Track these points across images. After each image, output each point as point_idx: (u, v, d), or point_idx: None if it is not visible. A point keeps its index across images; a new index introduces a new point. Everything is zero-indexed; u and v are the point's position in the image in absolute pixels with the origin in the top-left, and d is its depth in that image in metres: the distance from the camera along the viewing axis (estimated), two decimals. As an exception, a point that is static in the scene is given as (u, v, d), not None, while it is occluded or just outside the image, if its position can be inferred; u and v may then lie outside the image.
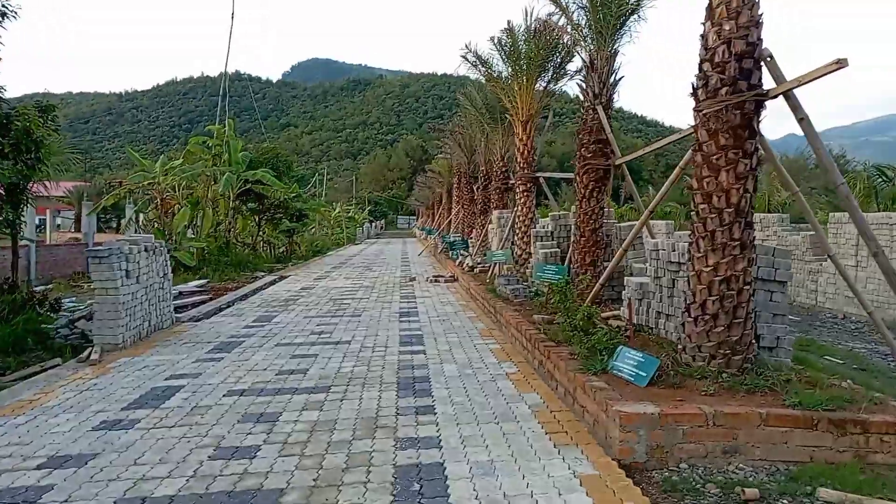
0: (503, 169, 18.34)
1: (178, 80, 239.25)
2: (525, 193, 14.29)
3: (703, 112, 5.76)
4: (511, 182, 18.35)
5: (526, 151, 14.28)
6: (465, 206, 27.91)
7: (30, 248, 22.86)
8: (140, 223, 22.99)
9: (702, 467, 4.64)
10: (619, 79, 9.80)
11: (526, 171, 14.22)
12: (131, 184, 20.01)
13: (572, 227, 11.10)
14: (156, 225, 20.36)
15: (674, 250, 7.26)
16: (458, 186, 30.88)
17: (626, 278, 8.52)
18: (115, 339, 8.69)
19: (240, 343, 9.12)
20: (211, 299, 14.67)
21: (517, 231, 14.35)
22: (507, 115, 17.79)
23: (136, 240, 9.55)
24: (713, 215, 5.70)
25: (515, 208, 14.66)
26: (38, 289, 18.02)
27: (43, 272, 23.22)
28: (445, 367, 7.49)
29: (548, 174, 14.96)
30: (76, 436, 5.14)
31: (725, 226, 5.65)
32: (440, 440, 4.97)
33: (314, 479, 4.24)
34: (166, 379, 7.07)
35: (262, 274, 21.33)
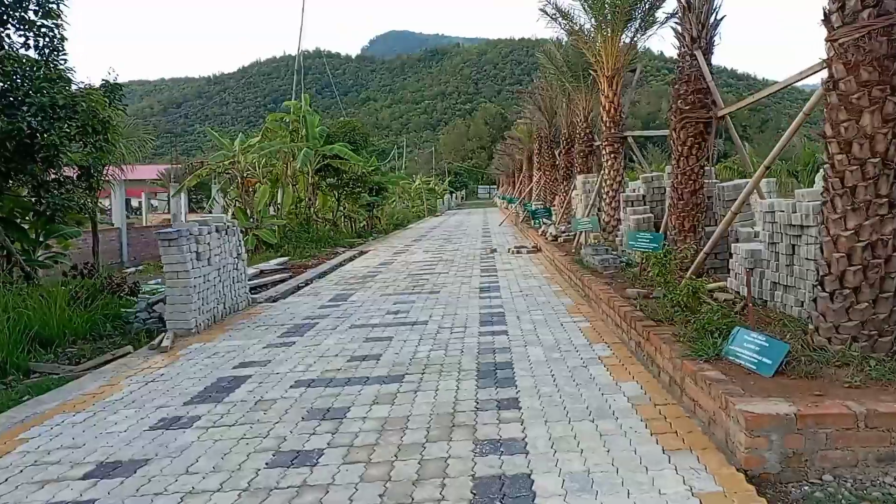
0: (587, 130, 17.21)
1: (262, 60, 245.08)
2: (612, 155, 13.22)
3: (840, 41, 4.69)
4: (596, 144, 17.24)
5: (613, 109, 13.18)
6: (546, 173, 26.82)
7: (121, 231, 23.67)
8: (223, 203, 23.31)
9: (851, 480, 3.75)
10: (721, 19, 8.62)
11: (613, 131, 13.13)
12: (212, 164, 20.10)
13: (667, 189, 10.05)
14: (237, 204, 20.46)
15: (794, 211, 6.21)
16: (538, 152, 29.75)
17: (733, 245, 7.49)
18: (188, 324, 8.45)
19: (313, 325, 8.71)
20: (290, 277, 14.49)
21: (604, 196, 13.34)
22: (590, 73, 16.61)
23: (206, 220, 9.27)
24: (853, 167, 4.66)
25: (602, 172, 13.62)
26: (129, 271, 18.50)
27: (135, 254, 23.97)
28: (530, 350, 6.77)
29: (637, 132, 13.83)
30: (131, 437, 4.77)
31: (869, 179, 4.61)
32: (526, 443, 4.27)
33: (380, 495, 3.65)
34: (234, 367, 6.69)
35: (343, 249, 21.17)
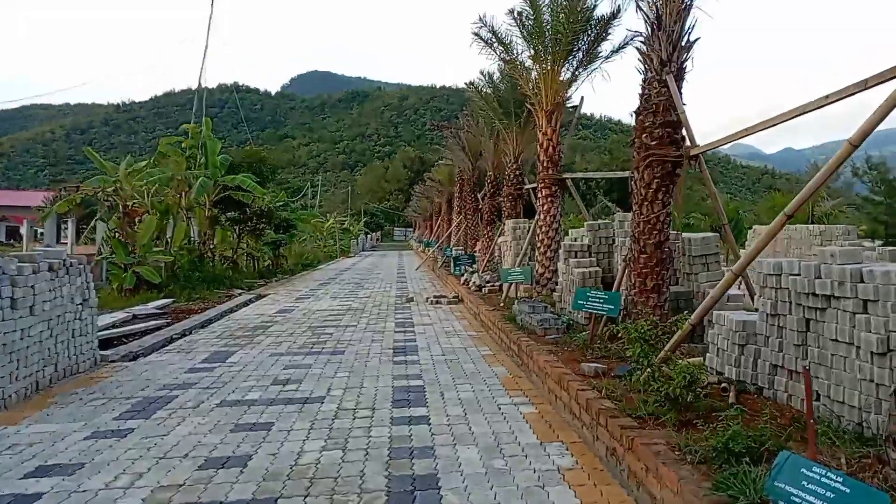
0: (517, 172, 15.79)
1: (177, 91, 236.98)
2: (549, 199, 11.72)
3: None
4: (526, 187, 15.83)
5: (551, 148, 11.74)
6: (468, 217, 25.36)
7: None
8: (105, 234, 20.41)
9: None
10: (695, 41, 7.26)
11: (551, 172, 11.66)
12: (88, 189, 17.37)
13: (626, 239, 8.53)
14: (117, 235, 17.71)
15: (818, 276, 4.67)
16: (459, 195, 28.37)
17: (716, 313, 5.91)
18: (-12, 397, 6.07)
19: (170, 399, 6.49)
20: (168, 324, 12.07)
21: (539, 245, 11.78)
22: (523, 109, 15.32)
23: (32, 255, 6.93)
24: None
25: (536, 217, 12.09)
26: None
27: None
28: (462, 452, 4.87)
29: (579, 174, 12.43)
30: None
31: None
32: None
33: None
34: (23, 477, 4.44)
35: (239, 292, 18.69)
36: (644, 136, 7.37)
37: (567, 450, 4.91)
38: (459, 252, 22.92)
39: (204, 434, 5.36)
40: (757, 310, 5.84)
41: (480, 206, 23.09)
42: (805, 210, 21.04)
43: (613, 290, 7.99)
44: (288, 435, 5.33)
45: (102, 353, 8.67)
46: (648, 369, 4.91)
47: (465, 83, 16.78)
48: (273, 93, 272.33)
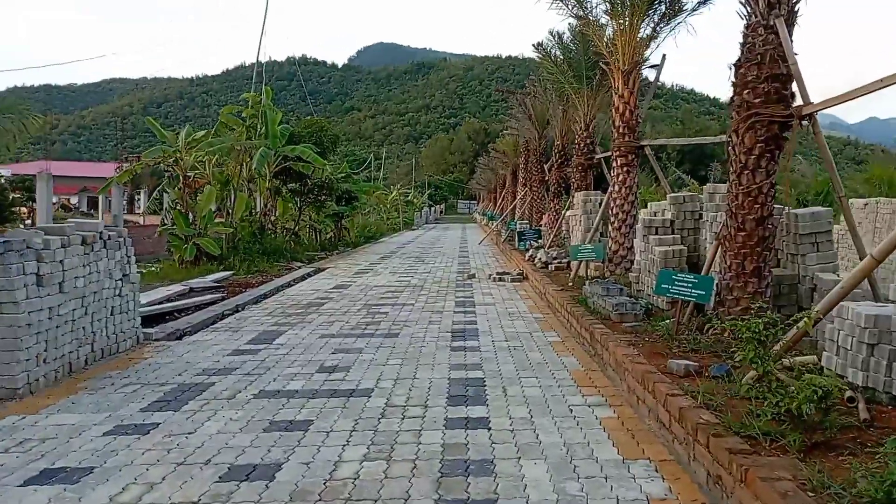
0: (587, 141, 14.66)
1: (247, 64, 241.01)
2: (625, 168, 10.64)
3: None
4: (596, 158, 14.71)
5: (628, 112, 10.62)
6: (533, 189, 24.26)
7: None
8: (167, 206, 20.38)
9: None
10: (809, -24, 6.08)
11: (628, 139, 10.55)
12: (147, 159, 17.20)
13: (717, 213, 7.46)
14: (178, 207, 17.54)
15: None
16: (525, 167, 27.23)
17: (840, 305, 4.84)
18: (13, 383, 5.62)
19: (205, 388, 5.92)
20: (223, 298, 11.70)
21: (612, 219, 10.74)
22: (595, 72, 14.14)
23: (62, 228, 6.45)
24: None
25: (610, 189, 11.03)
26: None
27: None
28: (527, 469, 4.06)
29: (661, 140, 11.26)
30: None
31: None
32: None
33: None
34: (23, 483, 3.90)
35: (299, 265, 18.36)
36: (746, 92, 6.26)
37: (656, 471, 4.03)
38: (524, 226, 21.93)
39: (234, 433, 4.73)
40: (892, 301, 4.78)
41: (547, 178, 21.97)
42: (909, 181, 19.03)
43: (703, 272, 6.95)
44: (326, 438, 4.64)
45: (147, 330, 8.24)
46: (762, 376, 3.94)
47: (533, 45, 15.63)
48: (340, 65, 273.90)
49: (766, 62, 6.12)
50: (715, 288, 6.35)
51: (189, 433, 4.75)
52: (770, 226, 6.25)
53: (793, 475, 3.18)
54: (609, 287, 8.25)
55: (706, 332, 6.32)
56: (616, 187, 10.71)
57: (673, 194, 8.61)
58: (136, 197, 52.26)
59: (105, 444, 4.54)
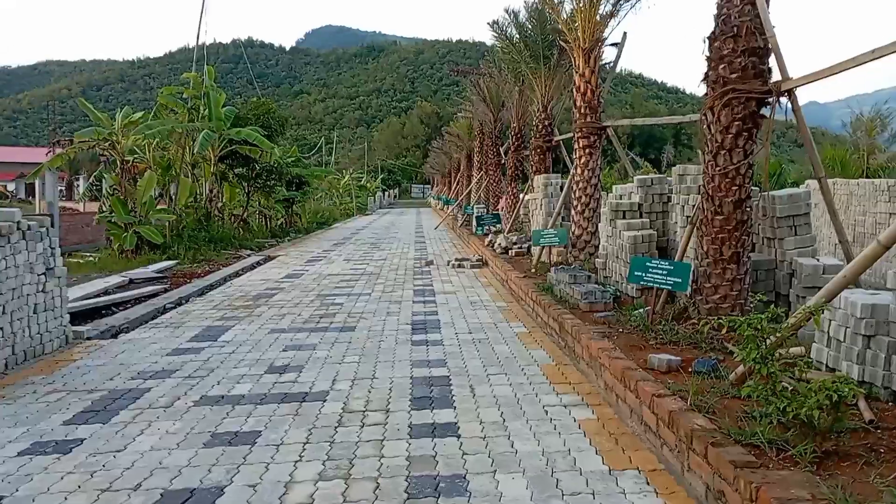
0: (545, 123, 14.27)
1: (190, 47, 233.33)
2: (587, 150, 10.25)
3: None
4: (555, 140, 14.34)
5: (589, 92, 10.22)
6: (489, 172, 23.85)
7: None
8: (104, 192, 19.23)
9: None
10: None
11: (590, 119, 10.17)
12: (81, 143, 16.10)
13: (688, 196, 7.12)
14: (116, 193, 16.53)
15: None
16: (480, 150, 26.82)
17: (843, 295, 4.51)
18: (-89, 394, 4.91)
19: (139, 395, 5.30)
20: (166, 290, 10.96)
21: (575, 203, 10.37)
22: (552, 52, 13.74)
23: (-32, 217, 5.70)
24: None
25: (573, 171, 10.65)
26: None
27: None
28: (505, 486, 3.61)
29: (624, 121, 10.90)
30: None
31: None
32: None
33: None
34: None
35: (248, 253, 17.58)
36: (721, 67, 5.90)
37: (648, 484, 3.63)
38: (481, 210, 21.53)
39: (169, 450, 4.16)
40: (890, 289, 4.49)
41: (503, 161, 21.62)
42: (859, 164, 19.29)
43: (677, 258, 6.61)
44: (276, 453, 4.11)
45: (78, 328, 7.51)
46: (761, 376, 3.56)
47: (488, 23, 15.11)
48: (288, 48, 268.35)
49: (743, 35, 5.76)
50: (692, 275, 6.01)
51: (117, 451, 4.15)
52: (748, 209, 5.93)
53: (811, 494, 2.80)
54: (576, 274, 7.87)
55: (683, 322, 5.99)
56: (578, 170, 10.33)
57: (640, 176, 8.27)
58: (76, 182, 50.15)
59: (19, 467, 3.92)
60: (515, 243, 13.85)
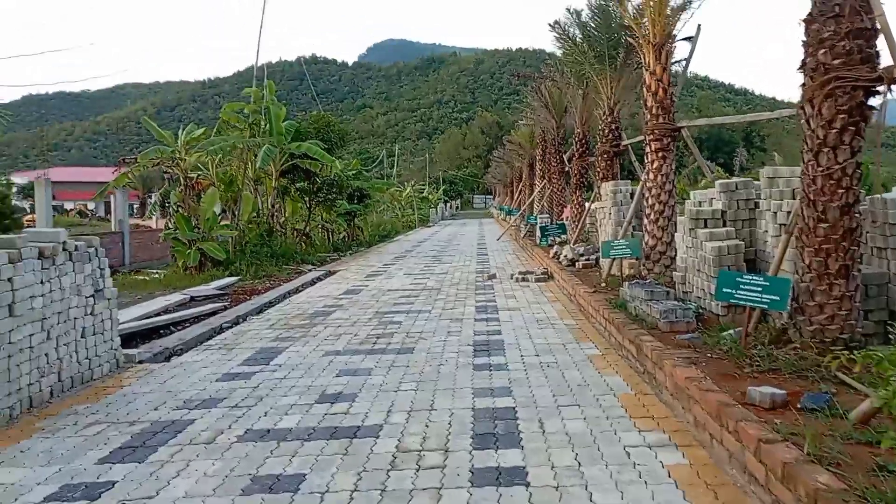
0: (612, 126, 13.54)
1: (259, 65, 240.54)
2: (660, 154, 9.51)
3: None
4: (623, 144, 13.59)
5: (661, 91, 9.49)
6: (553, 181, 23.12)
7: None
8: (170, 209, 19.51)
9: None
10: None
11: (662, 120, 9.44)
12: (143, 161, 16.30)
13: (780, 202, 6.33)
14: (180, 210, 16.67)
15: None
16: (542, 158, 26.10)
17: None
18: (-52, 427, 4.69)
19: (182, 428, 4.94)
20: (225, 308, 10.80)
21: (649, 210, 9.64)
22: (617, 51, 13.03)
23: (11, 241, 5.48)
24: None
25: (644, 177, 9.92)
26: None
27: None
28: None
29: (702, 121, 10.11)
30: None
31: None
32: None
33: None
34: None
35: (310, 268, 17.43)
36: (821, 52, 5.15)
37: (761, 555, 2.98)
38: (546, 220, 20.83)
39: (204, 497, 3.75)
40: None
41: (567, 168, 20.87)
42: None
43: (771, 272, 5.84)
44: (320, 503, 3.64)
45: (129, 351, 7.30)
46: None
47: (549, 24, 14.49)
48: (350, 63, 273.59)
49: (846, 14, 5.01)
50: (791, 292, 5.26)
51: (148, 498, 3.77)
52: (857, 214, 5.15)
53: None
54: (653, 290, 7.17)
55: (783, 346, 5.24)
56: (651, 175, 9.60)
57: (723, 180, 7.50)
58: (149, 200, 51.87)
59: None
60: (582, 255, 13.14)
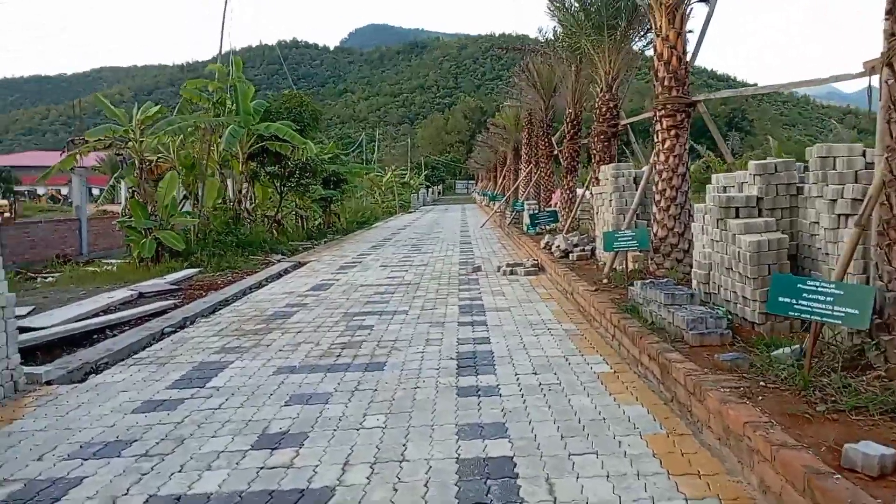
0: (611, 104, 12.28)
1: (237, 49, 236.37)
2: (673, 132, 8.25)
3: None
4: (623, 123, 12.35)
5: (675, 59, 8.23)
6: (540, 165, 21.86)
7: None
8: (126, 194, 17.97)
9: None
10: None
11: (677, 93, 8.17)
12: (93, 141, 14.75)
13: (848, 187, 5.05)
14: (135, 196, 15.19)
15: None
16: (528, 141, 24.86)
17: None
18: None
19: (55, 500, 3.62)
20: (175, 307, 9.46)
21: (658, 196, 8.40)
22: (617, 21, 11.74)
23: None
24: None
25: (653, 158, 8.67)
26: None
27: (14, 255, 18.49)
28: None
29: (726, 93, 8.86)
30: None
31: None
32: None
33: None
34: None
35: (278, 258, 16.06)
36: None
37: None
38: (534, 207, 19.55)
39: None
40: None
41: (556, 152, 19.61)
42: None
43: (835, 276, 4.58)
44: None
45: (34, 370, 5.93)
46: None
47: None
48: (332, 48, 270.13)
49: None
50: (874, 303, 4.03)
51: None
52: (959, 202, 3.92)
53: None
54: (674, 293, 5.92)
55: (861, 373, 4.02)
56: (661, 156, 8.34)
57: (759, 162, 6.25)
58: (118, 185, 49.91)
59: None
60: (577, 245, 11.90)
